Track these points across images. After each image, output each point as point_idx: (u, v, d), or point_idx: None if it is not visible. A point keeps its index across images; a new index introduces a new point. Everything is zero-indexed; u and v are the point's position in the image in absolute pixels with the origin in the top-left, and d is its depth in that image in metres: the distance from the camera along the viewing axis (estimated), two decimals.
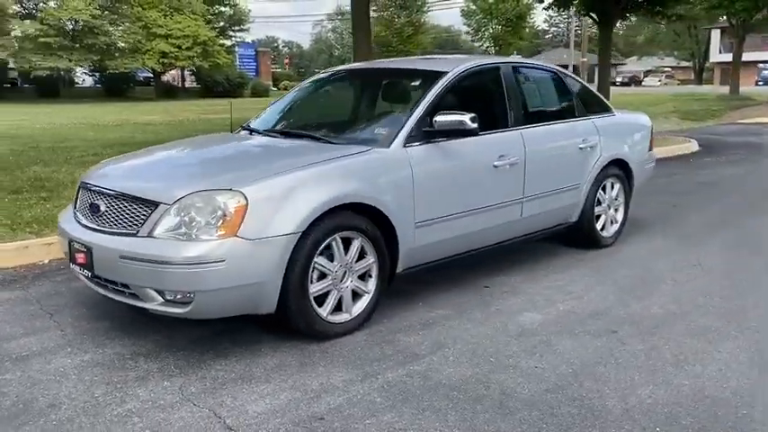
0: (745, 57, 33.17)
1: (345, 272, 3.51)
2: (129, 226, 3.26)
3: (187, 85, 41.07)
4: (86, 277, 3.48)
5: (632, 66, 72.05)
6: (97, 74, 36.09)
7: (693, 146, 12.32)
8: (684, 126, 17.33)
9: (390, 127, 3.92)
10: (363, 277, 3.62)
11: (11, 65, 33.00)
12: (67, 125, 15.49)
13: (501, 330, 3.62)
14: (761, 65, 49.70)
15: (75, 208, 3.76)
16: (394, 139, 3.77)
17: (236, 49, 43.40)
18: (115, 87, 34.00)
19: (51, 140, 11.55)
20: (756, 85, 47.91)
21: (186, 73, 41.18)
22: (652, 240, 5.52)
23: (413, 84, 4.37)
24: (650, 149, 5.82)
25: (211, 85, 35.69)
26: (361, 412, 2.75)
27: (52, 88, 31.55)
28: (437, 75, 4.19)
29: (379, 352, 3.34)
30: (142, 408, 2.79)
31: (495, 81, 4.50)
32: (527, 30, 58.39)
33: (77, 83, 40.07)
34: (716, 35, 53.26)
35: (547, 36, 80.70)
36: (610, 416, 2.72)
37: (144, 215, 3.21)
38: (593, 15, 14.54)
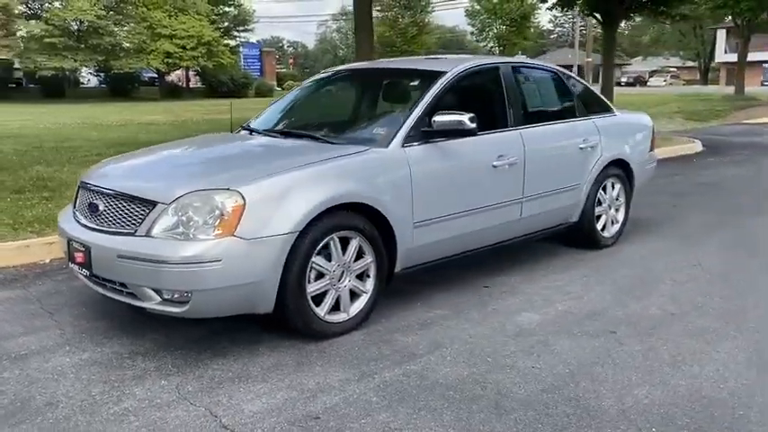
0: (751, 57, 33.07)
1: (343, 272, 3.52)
2: (127, 225, 3.27)
3: (192, 86, 41.14)
4: (85, 276, 3.50)
5: (637, 66, 71.87)
6: (102, 74, 36.20)
7: (697, 146, 12.29)
8: (688, 126, 17.29)
9: (389, 127, 3.92)
10: (361, 277, 3.63)
11: (16, 65, 33.13)
12: (71, 125, 15.53)
13: (499, 330, 3.62)
14: (766, 65, 49.51)
15: (74, 207, 3.78)
16: (392, 139, 3.77)
17: (241, 49, 43.44)
18: (120, 88, 34.08)
19: (55, 140, 11.59)
20: (762, 85, 47.71)
21: (191, 73, 41.24)
22: (652, 240, 5.51)
23: (412, 84, 4.38)
24: (651, 150, 5.81)
25: (216, 85, 35.75)
26: (356, 412, 2.75)
27: (57, 88, 31.63)
28: (436, 75, 4.19)
29: (377, 351, 3.34)
30: (139, 406, 2.80)
31: (495, 81, 4.50)
32: (532, 30, 58.32)
33: (82, 83, 40.17)
34: (721, 35, 53.05)
35: (552, 36, 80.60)
36: (605, 416, 2.72)
37: (142, 214, 3.23)
38: (597, 15, 14.50)
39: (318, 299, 3.43)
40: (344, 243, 3.49)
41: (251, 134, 4.55)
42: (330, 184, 3.40)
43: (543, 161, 4.58)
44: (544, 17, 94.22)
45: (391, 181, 3.67)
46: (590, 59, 33.72)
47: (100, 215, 3.43)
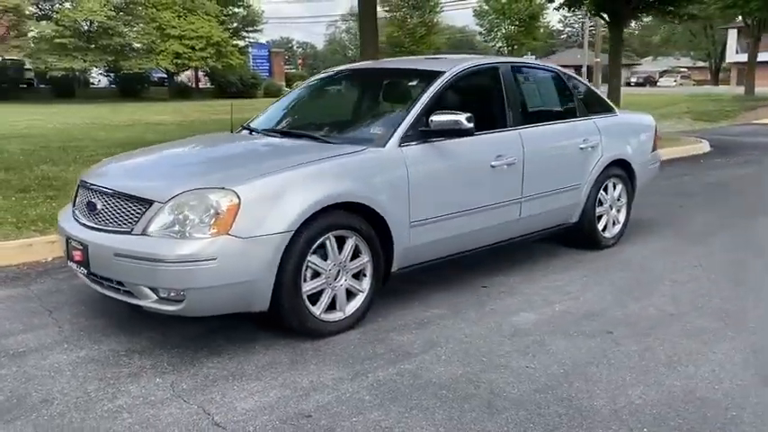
0: (761, 57, 32.84)
1: (339, 271, 3.53)
2: (124, 224, 3.29)
3: (201, 86, 41.30)
4: (83, 275, 3.53)
5: (647, 66, 71.50)
6: (112, 74, 36.39)
7: (705, 146, 12.22)
8: (697, 127, 17.19)
9: (386, 127, 3.93)
10: (358, 276, 3.64)
11: (27, 65, 33.36)
12: (80, 125, 15.63)
13: (495, 330, 3.62)
14: None
15: (74, 206, 3.81)
16: (389, 139, 3.78)
17: (250, 49, 43.54)
18: (129, 88, 34.25)
19: (62, 140, 11.67)
20: None
21: (200, 74, 41.40)
22: (655, 241, 5.49)
23: (410, 83, 4.38)
24: (654, 150, 5.78)
25: (225, 85, 35.84)
26: (348, 410, 2.76)
27: (68, 89, 31.81)
28: (434, 75, 4.19)
29: (372, 351, 3.35)
30: (133, 404, 2.82)
31: (494, 81, 4.49)
32: (541, 30, 58.16)
33: (92, 83, 40.41)
34: (732, 35, 52.66)
35: (561, 36, 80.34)
36: (597, 416, 2.72)
37: (138, 213, 3.25)
38: (604, 16, 14.43)
39: (314, 298, 3.44)
40: (341, 242, 3.50)
41: (251, 134, 4.58)
42: (326, 183, 3.41)
43: (542, 161, 4.57)
44: (554, 17, 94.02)
45: (388, 180, 3.68)
46: (598, 60, 33.54)
47: (98, 214, 3.46)
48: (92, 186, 3.63)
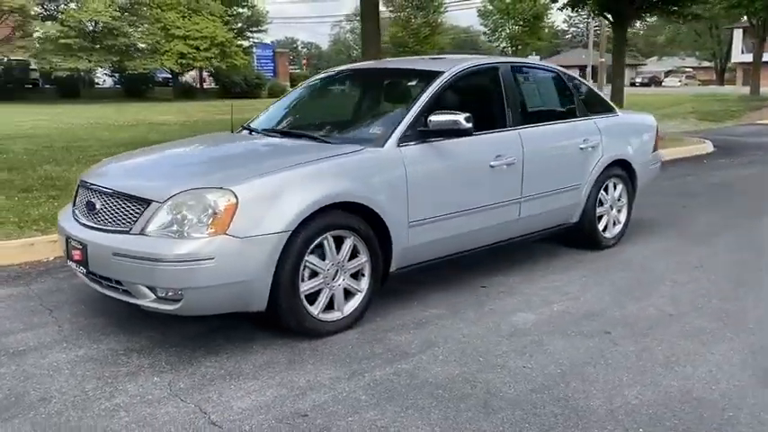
0: (767, 57, 32.67)
1: (337, 270, 3.53)
2: (123, 223, 3.31)
3: (205, 86, 41.35)
4: (83, 274, 3.54)
5: (652, 66, 71.29)
6: (117, 75, 36.49)
7: (708, 147, 12.19)
8: (702, 127, 17.15)
9: (385, 127, 3.93)
10: (356, 276, 3.64)
11: (32, 66, 33.47)
12: (84, 125, 15.68)
13: (493, 330, 3.62)
14: None
15: (73, 206, 3.83)
16: (388, 139, 3.78)
17: (254, 50, 43.57)
18: (134, 88, 34.32)
19: (66, 140, 11.72)
20: None
21: (205, 74, 41.46)
22: (656, 241, 5.48)
23: (409, 84, 4.39)
24: (655, 150, 5.77)
25: (229, 85, 35.89)
26: (344, 409, 2.77)
27: (73, 89, 31.90)
28: (433, 75, 4.20)
29: (369, 350, 3.35)
30: (130, 402, 2.83)
31: (493, 81, 4.50)
32: (546, 30, 58.06)
33: (97, 83, 40.51)
34: (738, 35, 52.45)
35: (566, 36, 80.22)
36: (593, 416, 2.71)
37: (137, 213, 3.26)
38: (608, 16, 14.40)
39: (312, 297, 3.45)
40: (339, 242, 3.51)
41: (251, 134, 4.59)
42: (323, 183, 3.42)
43: (542, 161, 4.57)
44: (558, 17, 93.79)
45: (386, 180, 3.68)
46: (603, 60, 33.46)
47: (97, 213, 3.48)
48: (91, 186, 3.65)
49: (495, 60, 4.74)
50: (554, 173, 4.71)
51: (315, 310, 3.45)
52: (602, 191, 5.13)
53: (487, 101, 4.53)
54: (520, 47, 51.74)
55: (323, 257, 3.45)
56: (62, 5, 32.87)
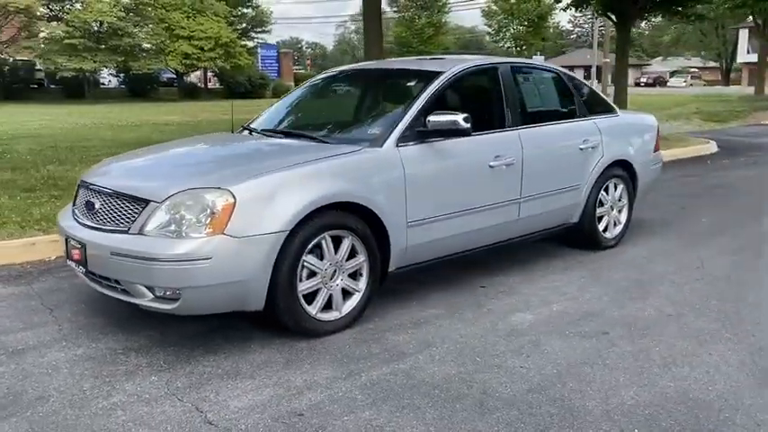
0: None
1: (335, 270, 3.54)
2: (122, 223, 3.32)
3: (210, 87, 41.45)
4: (82, 273, 3.56)
5: (657, 66, 71.11)
6: (122, 75, 36.62)
7: (712, 147, 12.15)
8: (706, 127, 17.10)
9: (383, 127, 3.94)
10: (354, 276, 3.65)
11: (38, 66, 33.63)
12: (88, 125, 15.75)
13: (491, 330, 3.62)
14: None
15: (73, 206, 3.85)
16: (386, 139, 3.79)
17: (258, 50, 43.67)
18: (139, 88, 34.45)
19: (70, 140, 11.77)
20: None
21: (210, 74, 41.57)
22: (656, 242, 5.47)
23: (409, 84, 4.39)
24: (656, 150, 5.75)
25: (233, 86, 35.97)
26: (340, 409, 2.78)
27: (78, 89, 32.02)
28: (433, 75, 4.20)
29: (366, 350, 3.36)
30: (127, 401, 2.84)
31: (493, 81, 4.50)
32: (551, 30, 57.99)
33: (103, 84, 40.65)
34: (744, 35, 52.21)
35: (571, 36, 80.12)
36: (589, 416, 2.71)
37: (135, 213, 3.28)
38: (611, 16, 14.37)
39: (310, 297, 3.45)
40: (337, 242, 3.51)
41: (250, 134, 4.60)
42: (321, 183, 3.43)
43: (542, 162, 4.56)
44: (563, 17, 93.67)
45: (385, 181, 3.69)
46: (607, 60, 33.39)
47: (96, 213, 3.50)
48: (91, 186, 3.67)
49: (495, 61, 4.73)
50: (554, 173, 4.70)
51: (313, 309, 3.45)
52: (602, 191, 5.12)
53: (487, 101, 4.53)
54: (524, 47, 51.67)
55: (321, 257, 3.46)
56: (67, 6, 33.00)
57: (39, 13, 31.88)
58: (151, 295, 3.21)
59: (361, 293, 3.65)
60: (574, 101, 5.14)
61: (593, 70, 38.86)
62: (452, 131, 3.85)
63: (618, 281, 4.48)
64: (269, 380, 3.04)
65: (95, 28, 31.01)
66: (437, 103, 4.04)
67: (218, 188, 3.20)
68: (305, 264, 3.38)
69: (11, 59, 31.98)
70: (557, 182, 4.72)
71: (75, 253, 3.49)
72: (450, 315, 3.85)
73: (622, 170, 5.29)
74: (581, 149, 4.89)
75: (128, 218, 3.30)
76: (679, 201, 7.16)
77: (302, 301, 3.40)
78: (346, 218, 3.51)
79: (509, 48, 53.87)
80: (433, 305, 3.99)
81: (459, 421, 2.67)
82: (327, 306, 3.54)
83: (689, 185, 8.36)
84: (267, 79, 38.58)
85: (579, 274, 4.62)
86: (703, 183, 8.63)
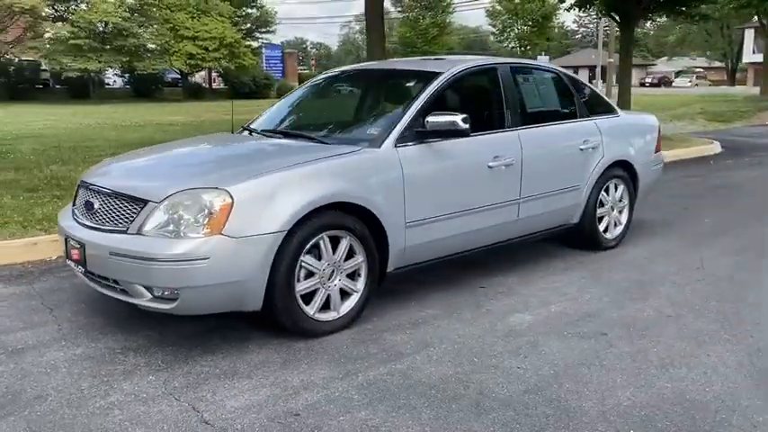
0: None
1: (333, 271, 3.55)
2: (120, 223, 3.34)
3: (215, 87, 41.51)
4: (81, 273, 3.58)
5: (662, 66, 70.85)
6: (126, 75, 36.72)
7: (716, 147, 12.12)
8: (711, 128, 17.06)
9: (382, 127, 3.94)
10: (352, 276, 3.65)
11: (43, 66, 33.74)
12: (93, 125, 15.80)
13: (489, 331, 3.62)
14: None
15: (73, 206, 3.87)
16: (385, 140, 3.79)
17: (263, 50, 43.71)
18: (144, 88, 34.52)
19: (74, 140, 11.81)
20: None
21: (214, 74, 41.62)
22: (657, 242, 5.46)
23: (408, 84, 4.40)
24: (657, 151, 5.74)
25: (238, 86, 36.01)
26: (336, 409, 2.78)
27: (83, 89, 32.11)
28: (432, 75, 4.21)
29: (364, 350, 3.37)
30: (125, 401, 2.85)
31: (492, 82, 4.50)
32: (555, 30, 57.88)
33: (108, 84, 40.75)
34: (749, 35, 52.01)
35: (576, 36, 79.96)
36: (585, 417, 2.71)
37: (134, 213, 3.29)
38: (615, 16, 14.34)
39: (308, 297, 3.46)
40: (335, 242, 3.52)
41: (250, 134, 4.61)
42: (319, 183, 3.43)
43: (541, 162, 4.56)
44: (568, 18, 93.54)
45: (383, 181, 3.69)
46: (612, 60, 33.30)
47: (95, 213, 3.51)
48: (90, 186, 3.68)
49: (494, 61, 4.73)
50: (554, 174, 4.70)
51: (311, 310, 3.46)
52: (602, 192, 5.12)
53: (486, 102, 4.53)
54: (529, 47, 51.60)
55: (319, 258, 3.47)
56: (72, 6, 33.11)
57: (44, 14, 31.97)
58: (149, 295, 3.22)
59: (359, 294, 3.66)
60: (574, 101, 5.13)
61: (598, 70, 38.78)
62: (451, 132, 3.85)
63: (618, 281, 4.47)
64: (266, 380, 3.04)
65: (100, 28, 31.08)
66: (436, 104, 4.04)
67: (216, 188, 3.21)
68: (303, 264, 3.39)
69: (16, 60, 32.07)
70: (557, 182, 4.71)
71: (75, 253, 3.51)
72: (449, 315, 3.85)
73: (623, 171, 5.28)
74: (581, 150, 4.89)
75: (126, 218, 3.31)
76: (681, 201, 7.14)
77: (300, 301, 3.40)
78: (344, 218, 3.51)
79: (513, 48, 53.82)
80: (431, 305, 4.00)
81: (454, 422, 2.68)
82: (325, 306, 3.55)
83: (692, 186, 8.34)
84: (271, 79, 38.60)
85: (579, 275, 4.61)
86: (706, 183, 8.60)
